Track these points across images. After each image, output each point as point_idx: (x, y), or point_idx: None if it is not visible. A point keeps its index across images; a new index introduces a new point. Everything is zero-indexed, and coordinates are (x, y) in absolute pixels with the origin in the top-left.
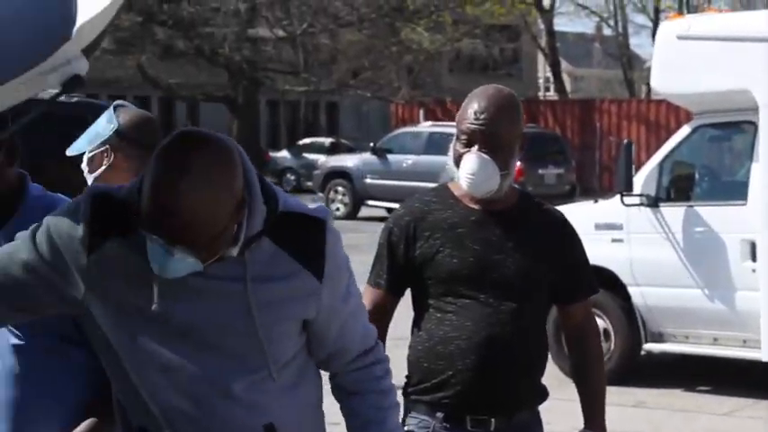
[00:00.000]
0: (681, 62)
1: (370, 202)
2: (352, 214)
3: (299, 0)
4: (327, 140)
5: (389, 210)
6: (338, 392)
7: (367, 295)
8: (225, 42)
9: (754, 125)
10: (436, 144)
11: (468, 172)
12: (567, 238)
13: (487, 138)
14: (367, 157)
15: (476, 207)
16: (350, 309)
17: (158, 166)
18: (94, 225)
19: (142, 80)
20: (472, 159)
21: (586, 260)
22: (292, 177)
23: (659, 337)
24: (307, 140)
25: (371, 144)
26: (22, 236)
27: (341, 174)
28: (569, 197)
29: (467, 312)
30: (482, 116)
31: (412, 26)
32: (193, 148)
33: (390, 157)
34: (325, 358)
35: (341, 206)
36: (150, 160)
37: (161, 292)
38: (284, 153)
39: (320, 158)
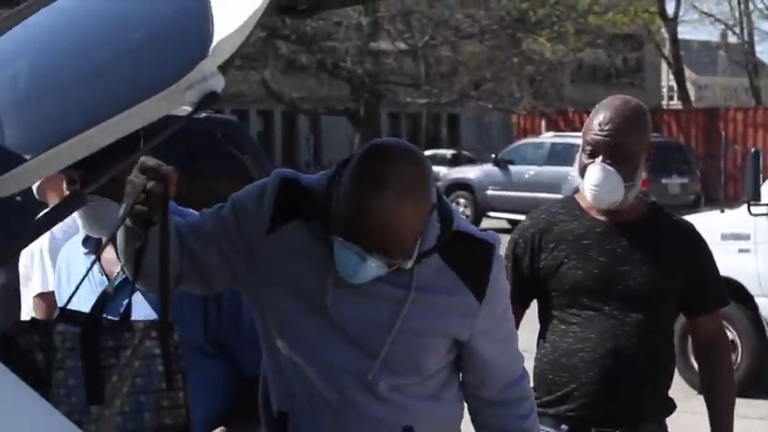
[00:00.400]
0: None
1: (492, 214)
2: (474, 225)
3: (420, 13)
4: (449, 152)
5: (511, 221)
6: (479, 429)
7: None
8: (347, 56)
9: None
10: (558, 155)
11: (592, 183)
12: (698, 249)
13: (612, 149)
14: (489, 168)
15: (602, 218)
16: (503, 335)
17: (360, 179)
18: (279, 206)
19: (265, 94)
20: (596, 171)
21: (717, 272)
22: None
23: None
24: (428, 152)
25: (493, 155)
26: (206, 211)
27: (462, 185)
28: (694, 207)
29: (591, 324)
30: (607, 127)
31: (534, 37)
32: (395, 160)
33: (512, 168)
34: (474, 382)
35: (462, 218)
36: (348, 172)
37: (334, 285)
38: None
39: (442, 170)
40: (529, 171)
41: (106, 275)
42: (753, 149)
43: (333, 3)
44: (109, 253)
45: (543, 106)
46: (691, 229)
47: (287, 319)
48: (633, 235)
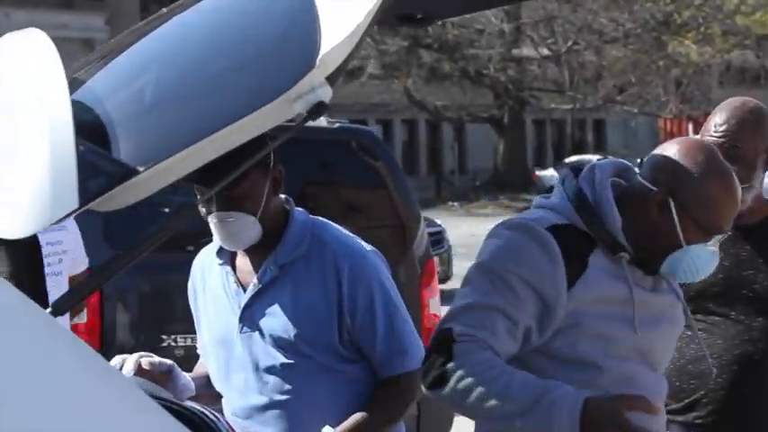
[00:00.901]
0: None
1: None
2: None
3: (562, 18)
4: (595, 157)
5: None
6: None
7: None
8: (490, 63)
9: None
10: None
11: None
12: None
13: (726, 150)
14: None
15: None
16: None
17: (712, 174)
18: (568, 257)
19: (408, 103)
20: None
21: None
22: None
23: None
24: (574, 158)
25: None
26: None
27: None
28: None
29: (717, 330)
30: (722, 129)
31: (679, 39)
32: (713, 150)
33: None
34: None
35: None
36: (678, 176)
37: (637, 315)
38: (550, 172)
39: None
40: None
41: (242, 286)
42: None
43: (448, 11)
44: (243, 263)
45: (690, 109)
46: None
47: (604, 358)
48: (757, 238)
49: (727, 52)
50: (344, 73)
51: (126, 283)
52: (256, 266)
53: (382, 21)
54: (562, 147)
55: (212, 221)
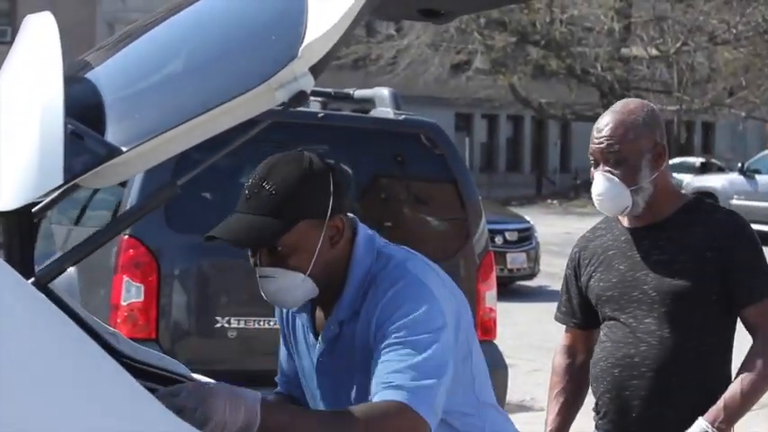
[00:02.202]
0: None
1: None
2: None
3: (673, 19)
4: (698, 160)
5: (757, 231)
6: None
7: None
8: (597, 62)
9: None
10: None
11: (596, 193)
12: (737, 240)
13: (607, 155)
14: (735, 177)
15: (630, 226)
16: None
17: None
18: None
19: (514, 99)
20: (598, 179)
21: (763, 261)
22: None
23: None
24: (677, 160)
25: (740, 164)
26: None
27: (706, 194)
28: None
29: (612, 334)
30: (601, 134)
31: None
32: None
33: (759, 177)
34: None
35: None
36: None
37: None
38: None
39: (687, 178)
40: None
41: (314, 334)
42: None
43: (471, 6)
44: (319, 313)
45: None
46: (731, 219)
47: None
48: (656, 237)
49: None
50: (330, 63)
51: (184, 264)
52: (326, 319)
53: (406, 15)
54: (669, 148)
55: (258, 277)
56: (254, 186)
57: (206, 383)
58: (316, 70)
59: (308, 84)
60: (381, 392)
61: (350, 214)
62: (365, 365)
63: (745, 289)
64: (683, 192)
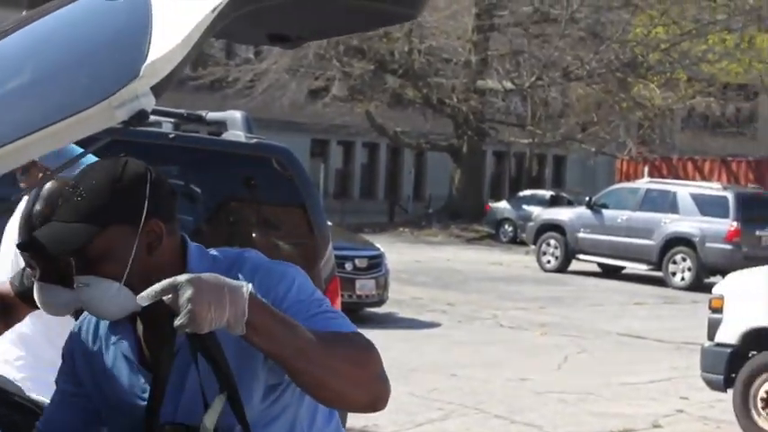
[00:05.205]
0: None
1: (582, 257)
2: (562, 267)
3: (529, 53)
4: (548, 193)
5: (600, 264)
6: None
7: None
8: (453, 93)
9: None
10: (653, 201)
11: None
12: None
13: None
14: (582, 211)
15: None
16: None
17: None
18: None
19: (370, 127)
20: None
21: None
22: (509, 228)
23: None
24: (527, 192)
25: (587, 198)
26: None
27: (554, 227)
28: None
29: None
30: None
31: (644, 82)
32: None
33: (605, 212)
34: None
35: (552, 259)
36: None
37: None
38: (503, 204)
39: (536, 210)
40: (622, 216)
41: (140, 354)
42: None
43: (321, 33)
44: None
45: (648, 152)
46: None
47: None
48: None
49: (691, 98)
50: (173, 83)
51: None
52: (159, 335)
53: (254, 39)
54: (520, 180)
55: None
56: (65, 194)
57: (192, 277)
58: (158, 90)
59: (149, 103)
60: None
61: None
62: (242, 355)
63: None
64: None
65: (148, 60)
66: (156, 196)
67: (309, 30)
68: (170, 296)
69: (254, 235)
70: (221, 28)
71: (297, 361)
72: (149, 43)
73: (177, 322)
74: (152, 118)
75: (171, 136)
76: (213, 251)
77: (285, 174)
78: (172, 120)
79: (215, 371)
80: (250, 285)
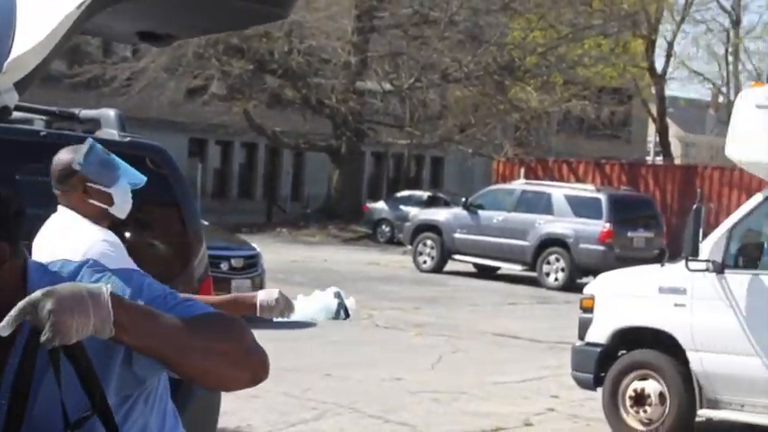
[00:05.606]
0: (758, 131)
1: (458, 257)
2: (438, 268)
3: (408, 55)
4: (425, 194)
5: (476, 265)
6: None
7: None
8: (332, 93)
9: None
10: (528, 202)
11: None
12: None
13: None
14: (458, 212)
15: None
16: None
17: None
18: None
19: (248, 127)
20: None
21: None
22: (387, 229)
23: (715, 404)
24: (405, 193)
25: (463, 199)
26: None
27: (431, 227)
28: (658, 261)
29: None
30: None
31: (521, 85)
32: None
33: (481, 213)
34: None
35: (428, 259)
36: None
37: None
38: (381, 204)
39: (413, 211)
40: (497, 217)
41: None
42: (695, 205)
43: (190, 31)
44: None
45: (524, 154)
46: None
47: None
48: None
49: (567, 101)
50: (37, 80)
51: None
52: None
53: (124, 37)
54: (398, 181)
55: None
56: None
57: (48, 289)
58: (21, 86)
59: (12, 99)
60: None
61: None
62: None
63: None
64: None
65: (11, 57)
66: (4, 217)
67: (178, 28)
68: (30, 315)
69: (127, 234)
70: (91, 25)
71: (172, 350)
72: (12, 39)
73: (43, 337)
74: (24, 115)
75: (42, 134)
76: (53, 267)
77: (159, 172)
78: (44, 117)
79: (86, 387)
80: (109, 285)
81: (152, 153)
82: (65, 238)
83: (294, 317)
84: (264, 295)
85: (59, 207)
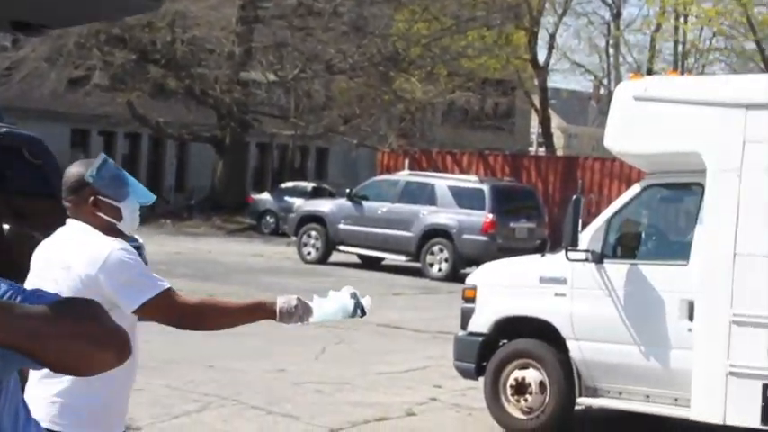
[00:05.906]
0: (636, 123)
1: (342, 248)
2: (323, 259)
3: (292, 46)
4: (310, 185)
5: (361, 256)
6: None
7: None
8: (216, 84)
9: (703, 187)
10: (412, 193)
11: None
12: None
13: None
14: (342, 203)
15: None
16: None
17: None
18: None
19: (131, 117)
20: None
21: None
22: (272, 220)
23: (594, 392)
24: (289, 184)
25: (347, 190)
26: None
27: (315, 218)
28: (539, 251)
29: None
30: None
31: (406, 76)
32: None
33: (365, 204)
34: None
35: (312, 250)
36: None
37: None
38: (266, 196)
39: (298, 202)
40: (381, 208)
41: None
42: (574, 196)
43: (65, 21)
44: None
45: (408, 145)
46: None
47: None
48: None
49: (451, 92)
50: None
51: None
52: None
53: None
54: (282, 172)
55: None
56: None
57: None
58: None
59: None
60: None
61: None
62: None
63: None
64: None
65: None
66: None
67: (51, 17)
68: None
69: (6, 226)
70: None
71: (28, 339)
72: None
73: None
74: None
75: None
76: None
77: (36, 163)
78: None
79: None
80: None
81: (29, 144)
82: (82, 249)
83: (313, 320)
84: (283, 302)
85: (68, 220)
